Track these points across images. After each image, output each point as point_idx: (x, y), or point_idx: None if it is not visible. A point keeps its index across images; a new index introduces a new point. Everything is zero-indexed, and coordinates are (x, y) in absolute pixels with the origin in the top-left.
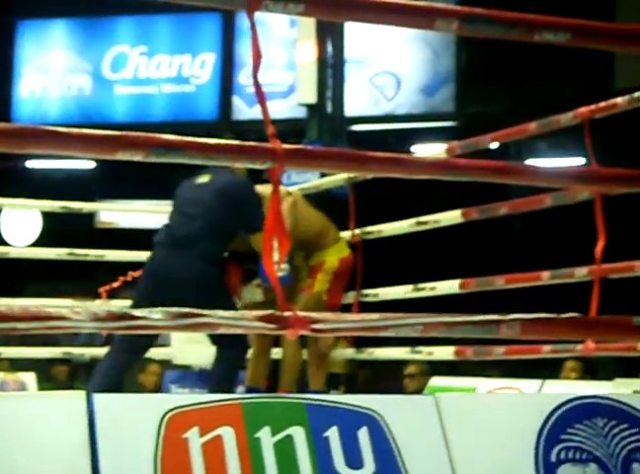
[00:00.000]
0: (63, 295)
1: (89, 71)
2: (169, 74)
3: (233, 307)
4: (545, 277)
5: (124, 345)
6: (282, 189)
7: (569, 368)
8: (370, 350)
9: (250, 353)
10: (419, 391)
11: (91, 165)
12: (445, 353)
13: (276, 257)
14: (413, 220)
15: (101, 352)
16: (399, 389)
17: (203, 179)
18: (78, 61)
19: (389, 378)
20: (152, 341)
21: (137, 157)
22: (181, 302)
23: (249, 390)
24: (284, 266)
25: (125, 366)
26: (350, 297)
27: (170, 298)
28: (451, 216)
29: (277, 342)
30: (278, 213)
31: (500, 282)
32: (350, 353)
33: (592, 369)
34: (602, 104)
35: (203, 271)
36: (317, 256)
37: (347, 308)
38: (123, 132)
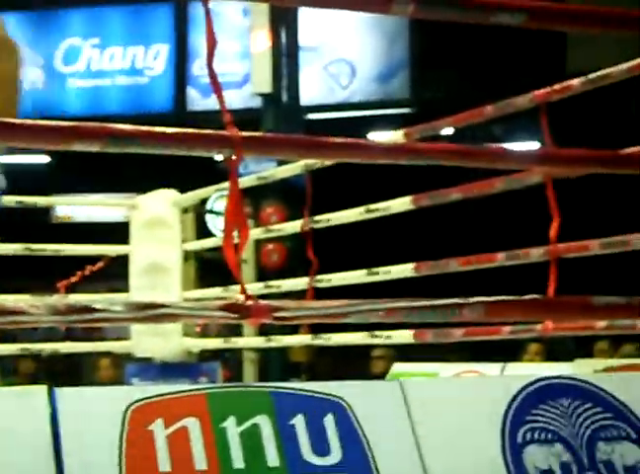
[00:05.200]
0: (20, 291)
1: (41, 65)
2: (122, 66)
3: None
4: (500, 259)
5: None
6: None
7: (532, 352)
8: (328, 335)
9: None
10: (384, 374)
11: (45, 159)
12: (404, 336)
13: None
14: (362, 208)
15: (60, 346)
16: (361, 376)
17: None
18: (30, 55)
19: (349, 365)
20: None
21: (94, 147)
22: None
23: None
24: None
25: None
26: (303, 283)
27: None
28: (401, 203)
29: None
30: (238, 203)
31: (454, 265)
32: (308, 339)
33: (553, 352)
34: (557, 86)
35: None
36: None
37: (301, 294)
38: (78, 123)
